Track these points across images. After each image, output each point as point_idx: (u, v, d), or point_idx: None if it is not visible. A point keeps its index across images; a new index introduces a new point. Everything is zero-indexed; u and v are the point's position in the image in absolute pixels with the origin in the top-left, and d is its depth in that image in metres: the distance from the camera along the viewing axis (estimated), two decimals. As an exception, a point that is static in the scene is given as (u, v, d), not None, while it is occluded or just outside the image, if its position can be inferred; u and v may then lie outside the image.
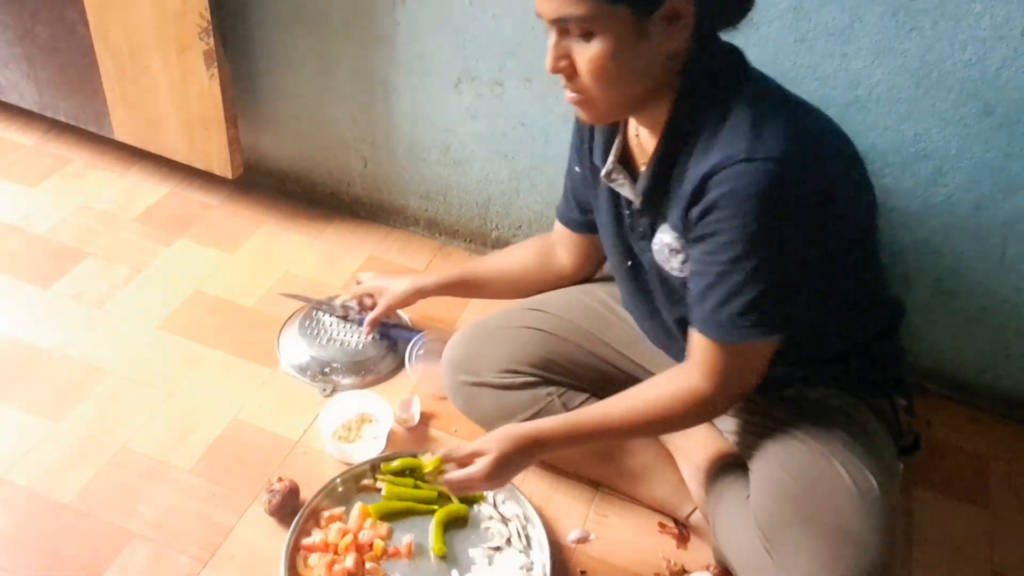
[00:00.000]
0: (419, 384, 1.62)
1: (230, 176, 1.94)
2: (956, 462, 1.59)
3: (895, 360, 1.32)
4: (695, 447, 1.38)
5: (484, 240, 1.96)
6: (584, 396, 1.41)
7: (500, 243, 1.94)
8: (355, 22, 1.74)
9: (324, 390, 1.60)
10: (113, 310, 1.73)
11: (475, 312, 1.82)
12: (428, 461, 1.27)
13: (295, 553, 1.31)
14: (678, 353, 1.32)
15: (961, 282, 1.57)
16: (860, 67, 1.41)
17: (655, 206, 1.18)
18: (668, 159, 1.12)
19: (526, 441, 1.19)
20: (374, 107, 1.85)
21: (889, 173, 1.49)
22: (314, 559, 1.29)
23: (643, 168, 1.18)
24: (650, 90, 1.08)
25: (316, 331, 1.69)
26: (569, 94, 1.10)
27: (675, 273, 1.19)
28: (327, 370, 1.63)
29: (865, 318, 1.26)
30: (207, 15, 1.69)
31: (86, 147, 2.14)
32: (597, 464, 1.44)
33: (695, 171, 1.07)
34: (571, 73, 1.06)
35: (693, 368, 1.16)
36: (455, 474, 1.21)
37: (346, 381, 1.63)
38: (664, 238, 1.17)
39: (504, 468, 1.19)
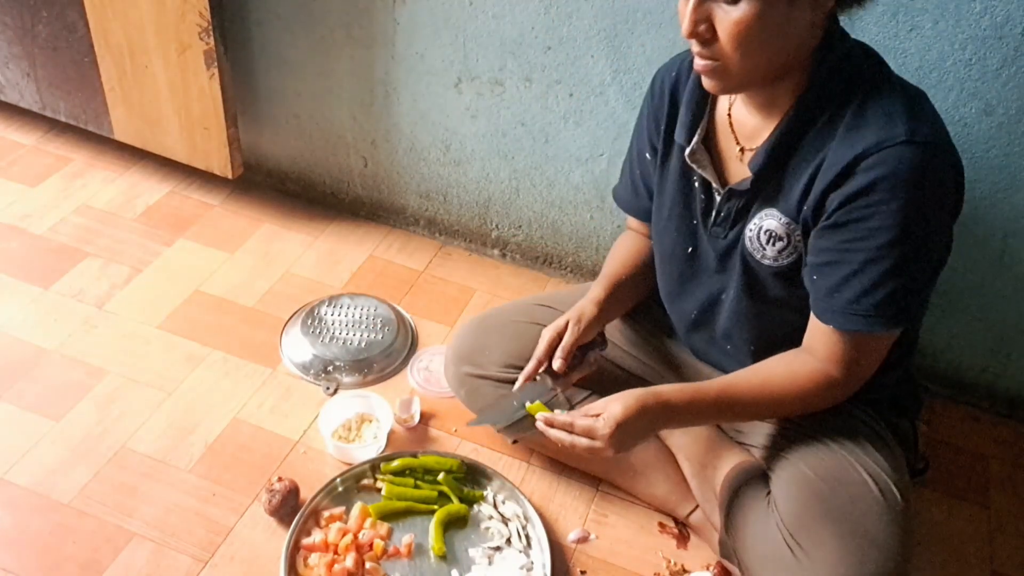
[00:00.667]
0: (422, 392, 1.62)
1: (230, 176, 1.94)
2: (956, 462, 1.59)
3: (913, 377, 1.32)
4: (697, 446, 1.37)
5: (484, 240, 1.96)
6: (586, 394, 1.41)
7: (500, 243, 1.95)
8: (355, 22, 1.74)
9: (327, 388, 1.60)
10: (113, 310, 1.73)
11: (477, 308, 1.82)
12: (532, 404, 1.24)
13: (295, 553, 1.31)
14: (709, 344, 1.31)
15: (961, 281, 1.57)
16: (860, 67, 1.41)
17: (763, 189, 1.14)
18: (792, 137, 1.09)
19: (651, 400, 1.14)
20: (374, 107, 1.85)
21: (889, 173, 1.49)
22: (314, 559, 1.29)
23: (739, 149, 1.15)
24: (787, 63, 1.05)
25: (319, 330, 1.69)
26: (700, 61, 1.05)
27: (767, 262, 1.15)
28: (330, 368, 1.64)
29: (906, 331, 1.23)
30: (207, 15, 1.69)
31: (86, 147, 2.14)
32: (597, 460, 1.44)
33: (841, 153, 1.03)
34: (710, 38, 1.01)
35: (821, 358, 1.13)
36: (580, 421, 1.15)
37: (348, 379, 1.63)
38: (766, 224, 1.13)
39: (629, 429, 1.13)
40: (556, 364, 1.27)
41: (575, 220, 1.83)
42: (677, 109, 1.21)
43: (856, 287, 1.05)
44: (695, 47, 1.04)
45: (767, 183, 1.13)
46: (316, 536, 1.32)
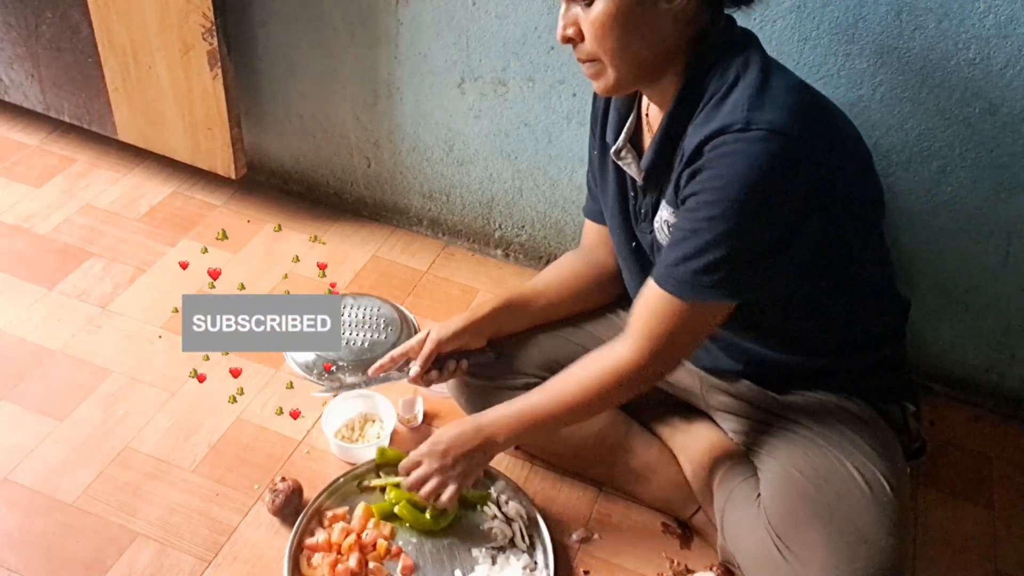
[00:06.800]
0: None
1: (233, 176, 1.94)
2: (960, 462, 1.59)
3: (902, 363, 1.32)
4: (699, 447, 1.37)
5: (487, 240, 1.96)
6: (493, 356, 1.43)
7: (503, 243, 1.95)
8: (358, 22, 1.74)
9: (330, 388, 1.60)
10: (117, 310, 1.73)
11: (478, 312, 1.82)
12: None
13: (299, 553, 1.31)
14: None
15: (965, 281, 1.57)
16: (864, 66, 1.41)
17: (657, 182, 1.18)
18: (674, 133, 1.12)
19: (467, 422, 1.27)
20: (377, 107, 1.85)
21: (892, 173, 1.49)
22: (317, 559, 1.29)
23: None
24: (661, 58, 1.08)
25: (319, 331, 1.69)
26: (584, 66, 1.11)
27: None
28: (333, 368, 1.64)
29: (872, 313, 1.26)
30: (210, 15, 1.69)
31: (90, 147, 2.14)
32: (599, 463, 1.44)
33: (692, 140, 1.07)
34: (580, 41, 1.08)
35: (628, 330, 1.17)
36: (407, 459, 1.31)
37: (351, 379, 1.63)
38: (663, 214, 1.17)
39: (445, 444, 1.26)
40: (411, 372, 1.37)
41: (578, 220, 1.83)
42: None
43: (680, 252, 1.09)
44: (575, 54, 1.10)
45: (660, 177, 1.17)
46: (319, 536, 1.32)
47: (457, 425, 1.28)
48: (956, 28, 1.33)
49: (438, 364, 1.37)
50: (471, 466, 1.28)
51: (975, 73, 1.36)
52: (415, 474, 1.29)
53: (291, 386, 1.60)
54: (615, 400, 1.26)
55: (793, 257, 1.10)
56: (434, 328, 1.37)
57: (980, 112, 1.39)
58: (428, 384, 1.40)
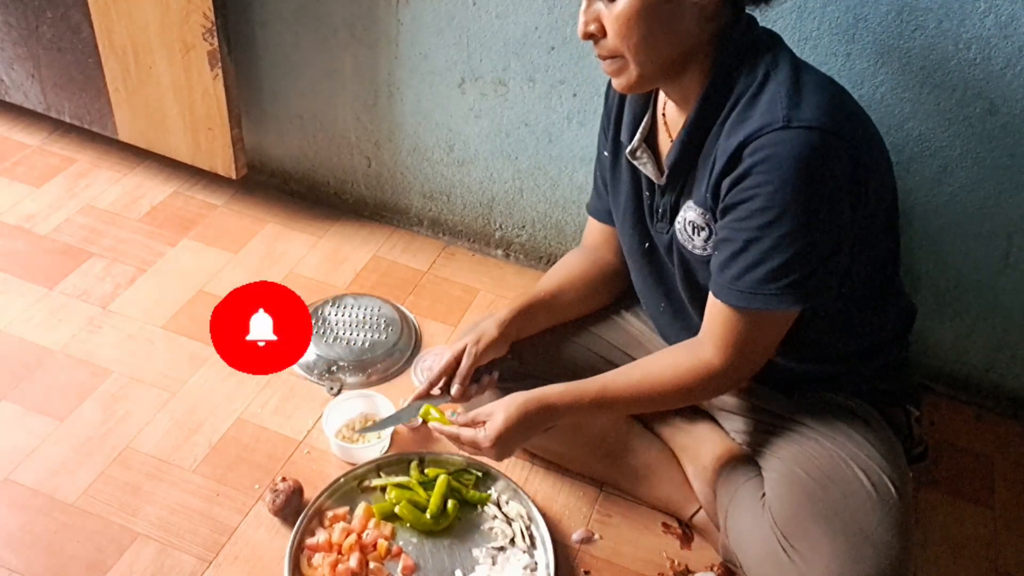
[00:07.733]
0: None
1: (234, 176, 1.94)
2: (961, 462, 1.59)
3: (907, 367, 1.32)
4: (700, 447, 1.37)
5: (488, 240, 1.96)
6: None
7: (504, 243, 1.95)
8: (358, 22, 1.74)
9: (330, 388, 1.60)
10: (117, 310, 1.73)
11: (480, 308, 1.82)
12: (435, 416, 1.31)
13: (299, 553, 1.31)
14: (684, 335, 1.32)
15: (966, 281, 1.57)
16: (864, 66, 1.41)
17: (680, 181, 1.18)
18: (699, 130, 1.12)
19: (533, 405, 1.20)
20: (378, 107, 1.85)
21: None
22: (318, 559, 1.29)
23: (671, 144, 1.18)
24: (683, 54, 1.08)
25: (323, 330, 1.69)
26: (604, 63, 1.10)
27: (697, 252, 1.18)
28: (334, 368, 1.64)
29: (881, 318, 1.26)
30: (211, 15, 1.69)
31: (90, 147, 2.14)
32: (600, 463, 1.44)
33: (729, 141, 1.06)
34: (601, 37, 1.08)
35: (707, 340, 1.15)
36: (465, 432, 1.22)
37: (352, 380, 1.63)
38: (688, 215, 1.16)
39: (511, 435, 1.20)
40: (453, 391, 1.33)
41: (579, 220, 1.83)
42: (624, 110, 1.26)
43: (740, 264, 1.08)
44: (595, 51, 1.10)
45: (683, 176, 1.17)
46: (320, 536, 1.32)
47: (519, 409, 1.19)
48: (956, 28, 1.33)
49: (474, 377, 1.36)
50: (525, 443, 1.26)
51: (976, 73, 1.36)
52: (469, 445, 1.23)
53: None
54: (697, 397, 1.26)
55: (847, 254, 1.10)
56: (470, 344, 1.33)
57: (980, 112, 1.39)
58: (468, 399, 1.36)
